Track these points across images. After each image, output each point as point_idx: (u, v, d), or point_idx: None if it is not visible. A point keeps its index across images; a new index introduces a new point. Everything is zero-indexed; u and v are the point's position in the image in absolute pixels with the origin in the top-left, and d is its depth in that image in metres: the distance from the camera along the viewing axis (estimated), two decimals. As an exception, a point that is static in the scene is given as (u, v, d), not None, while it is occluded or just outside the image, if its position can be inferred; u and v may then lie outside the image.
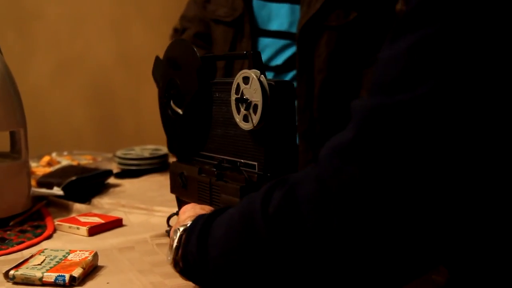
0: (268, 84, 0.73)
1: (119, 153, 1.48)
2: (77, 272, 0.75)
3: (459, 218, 0.50)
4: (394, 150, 0.48)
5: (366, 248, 0.49)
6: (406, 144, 0.48)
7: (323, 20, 1.52)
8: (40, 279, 0.74)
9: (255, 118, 0.73)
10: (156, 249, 0.90)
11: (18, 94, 1.04)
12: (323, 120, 1.53)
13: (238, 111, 0.77)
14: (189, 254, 0.64)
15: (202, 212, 0.72)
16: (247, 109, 0.74)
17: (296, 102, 1.50)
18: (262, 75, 0.74)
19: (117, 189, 1.30)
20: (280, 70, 1.55)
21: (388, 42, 0.52)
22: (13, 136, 1.07)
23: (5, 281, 0.76)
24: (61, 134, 2.77)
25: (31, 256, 0.81)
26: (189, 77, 0.88)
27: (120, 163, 1.46)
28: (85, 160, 1.52)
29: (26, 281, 0.75)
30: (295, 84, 1.52)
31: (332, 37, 1.53)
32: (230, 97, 0.80)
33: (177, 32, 1.86)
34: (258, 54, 0.78)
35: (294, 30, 1.54)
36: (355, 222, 0.49)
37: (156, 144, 1.64)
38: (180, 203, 0.95)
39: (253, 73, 0.74)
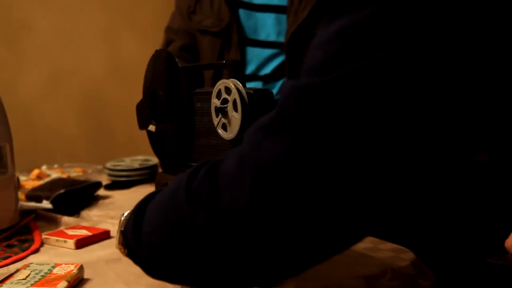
0: (247, 93, 0.74)
1: (108, 164, 1.48)
2: (61, 286, 0.75)
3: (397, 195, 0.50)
4: (317, 123, 0.49)
5: (275, 222, 0.50)
6: (326, 119, 0.49)
7: (311, 28, 1.53)
8: (25, 294, 0.74)
9: (235, 128, 0.74)
10: (143, 260, 0.89)
11: (2, 109, 1.04)
12: None
13: (218, 121, 0.77)
14: (128, 233, 0.67)
15: None
16: (226, 118, 0.75)
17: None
18: (241, 84, 0.74)
19: (107, 201, 1.31)
20: (269, 79, 1.56)
21: (320, 29, 0.54)
22: (-2, 151, 1.07)
23: (-10, 297, 0.76)
24: (52, 146, 2.77)
25: (16, 271, 0.81)
26: (169, 86, 0.89)
27: (109, 175, 1.46)
28: (75, 172, 1.52)
29: (10, 296, 0.75)
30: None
31: None
32: (209, 107, 0.81)
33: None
34: (238, 63, 0.79)
35: (281, 39, 1.54)
36: (267, 195, 0.49)
37: (148, 155, 1.64)
38: (166, 214, 0.96)
39: (231, 83, 0.74)
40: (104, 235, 1.02)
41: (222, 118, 0.75)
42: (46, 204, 1.18)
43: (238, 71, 0.78)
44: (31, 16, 2.95)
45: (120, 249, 0.72)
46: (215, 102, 0.77)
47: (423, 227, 0.86)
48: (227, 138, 0.75)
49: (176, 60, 0.88)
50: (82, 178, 1.43)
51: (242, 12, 1.56)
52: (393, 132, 0.48)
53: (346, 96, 0.48)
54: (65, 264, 0.82)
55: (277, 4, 1.56)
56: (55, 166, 1.62)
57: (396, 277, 0.84)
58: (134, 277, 0.83)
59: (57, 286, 0.74)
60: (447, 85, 0.48)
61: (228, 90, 0.74)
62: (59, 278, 0.77)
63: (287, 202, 0.49)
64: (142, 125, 0.97)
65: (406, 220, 0.76)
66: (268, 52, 1.55)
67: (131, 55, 3.20)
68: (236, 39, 1.54)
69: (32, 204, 1.18)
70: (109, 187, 1.41)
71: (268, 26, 1.57)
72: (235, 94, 0.73)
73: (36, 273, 0.79)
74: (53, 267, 0.81)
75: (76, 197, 1.24)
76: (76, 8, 3.02)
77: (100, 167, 1.57)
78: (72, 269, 0.80)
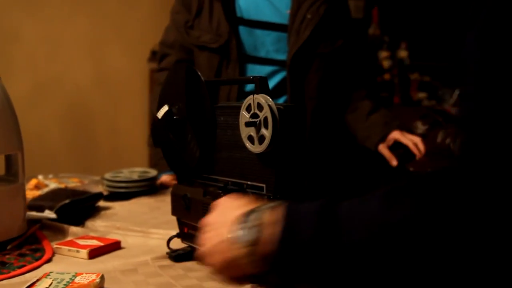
0: (277, 108, 0.76)
1: (107, 175, 1.48)
2: (87, 294, 0.75)
3: None
4: None
5: None
6: None
7: (314, 47, 1.56)
8: (50, 302, 0.74)
9: (265, 141, 0.75)
10: (160, 271, 0.90)
11: (15, 117, 1.04)
12: (315, 146, 1.56)
13: (247, 135, 0.79)
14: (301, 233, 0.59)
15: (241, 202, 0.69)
16: (257, 132, 0.77)
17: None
18: (271, 100, 0.76)
19: (109, 211, 1.30)
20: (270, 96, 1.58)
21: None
22: (9, 159, 1.07)
23: (14, 305, 0.75)
24: (36, 156, 2.74)
25: (37, 280, 0.80)
26: (192, 100, 0.90)
27: (108, 186, 1.46)
28: (72, 183, 1.51)
29: (36, 304, 0.75)
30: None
31: (321, 64, 1.57)
32: (235, 121, 0.83)
33: (155, 54, 1.85)
34: (265, 80, 0.81)
35: (281, 57, 1.57)
36: None
37: (138, 167, 1.64)
38: (182, 225, 0.96)
39: (262, 98, 0.76)
40: (115, 246, 1.02)
41: (251, 133, 0.77)
42: (49, 213, 1.17)
43: (265, 87, 0.80)
44: (18, 25, 2.93)
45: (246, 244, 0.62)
46: (245, 116, 0.78)
47: None
48: (255, 152, 0.77)
49: (198, 73, 0.90)
50: (80, 189, 1.42)
51: (242, 29, 1.58)
52: None
53: None
54: (86, 273, 0.82)
55: (278, 23, 1.58)
56: (50, 176, 1.60)
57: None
58: (153, 287, 0.83)
59: (83, 295, 0.75)
60: None
61: (259, 106, 0.76)
62: (83, 286, 0.77)
63: None
64: (157, 142, 0.98)
65: None
66: (268, 69, 1.57)
67: (117, 66, 3.20)
68: (236, 56, 1.56)
69: (36, 213, 1.18)
70: (108, 198, 1.41)
71: (268, 44, 1.59)
72: (266, 110, 0.75)
73: (58, 282, 0.79)
74: (74, 276, 0.81)
75: (79, 207, 1.24)
76: (64, 19, 3.01)
77: (97, 178, 1.57)
78: (94, 278, 0.80)
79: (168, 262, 0.95)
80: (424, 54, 3.83)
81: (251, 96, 0.78)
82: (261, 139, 0.76)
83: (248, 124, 0.77)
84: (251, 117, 0.78)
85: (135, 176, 1.49)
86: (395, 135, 1.59)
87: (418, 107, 2.84)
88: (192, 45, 1.62)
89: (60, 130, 3.05)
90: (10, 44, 2.86)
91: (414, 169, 1.49)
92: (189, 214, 0.92)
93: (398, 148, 1.59)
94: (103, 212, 1.29)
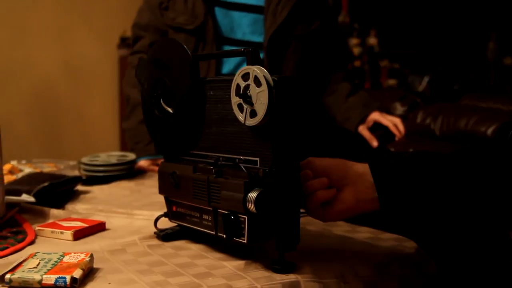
0: (272, 79, 0.74)
1: (84, 159, 1.44)
2: (77, 273, 0.73)
3: None
4: None
5: None
6: None
7: (290, 29, 1.54)
8: (40, 281, 0.71)
9: (260, 114, 0.74)
10: (149, 250, 0.88)
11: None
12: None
13: (241, 108, 0.77)
14: None
15: None
16: (251, 105, 0.75)
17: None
18: (266, 70, 0.74)
19: (88, 195, 1.27)
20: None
21: None
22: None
23: (1, 285, 0.72)
24: (4, 143, 2.67)
25: (24, 260, 0.77)
26: (180, 75, 0.88)
27: (86, 170, 1.42)
28: (48, 167, 1.47)
29: (24, 284, 0.72)
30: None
31: (298, 46, 1.56)
32: (225, 95, 0.81)
33: (125, 41, 1.81)
34: (257, 51, 0.79)
35: (257, 39, 1.55)
36: None
37: (115, 151, 1.59)
38: (170, 204, 0.94)
39: (257, 69, 0.75)
40: (100, 227, 0.99)
41: (245, 105, 0.75)
42: (27, 197, 1.13)
43: (257, 58, 0.78)
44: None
45: None
46: (237, 89, 0.77)
47: (436, 218, 0.89)
48: (250, 124, 0.75)
49: (185, 47, 0.87)
50: (57, 173, 1.38)
51: (218, 10, 1.56)
52: None
53: None
54: (74, 253, 0.80)
55: (254, 4, 1.57)
56: (23, 161, 1.56)
57: (404, 264, 0.86)
58: (145, 265, 0.81)
59: (73, 274, 0.72)
60: None
61: (253, 77, 0.74)
62: (73, 266, 0.74)
63: None
64: (146, 121, 0.95)
65: (424, 212, 0.79)
66: None
67: (85, 53, 3.12)
68: (212, 37, 1.54)
69: (13, 197, 1.13)
70: (86, 182, 1.37)
71: (244, 26, 1.57)
72: (261, 81, 0.73)
73: (46, 262, 0.76)
74: (62, 256, 0.79)
75: (58, 191, 1.20)
76: (29, 3, 2.92)
77: (72, 162, 1.53)
78: (84, 257, 0.77)
79: (156, 241, 0.93)
80: (394, 42, 3.87)
81: (245, 68, 0.76)
82: (255, 112, 0.75)
83: (241, 97, 0.76)
84: (245, 89, 0.76)
85: (113, 160, 1.45)
86: (375, 116, 1.59)
87: (396, 90, 2.86)
88: (167, 27, 1.59)
89: (27, 117, 2.97)
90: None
91: (395, 149, 1.49)
92: (178, 192, 0.90)
93: (378, 129, 1.60)
94: (82, 196, 1.26)
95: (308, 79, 1.62)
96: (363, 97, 1.63)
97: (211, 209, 0.83)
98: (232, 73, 1.54)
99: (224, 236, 0.79)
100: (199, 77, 0.86)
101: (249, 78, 0.76)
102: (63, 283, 0.71)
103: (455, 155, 0.77)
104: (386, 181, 0.78)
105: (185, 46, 0.88)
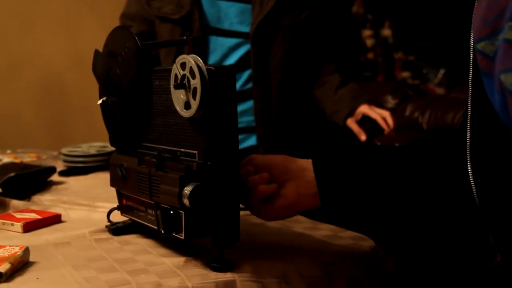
0: (207, 69, 0.71)
1: (64, 150, 1.43)
2: (4, 267, 0.71)
3: None
4: None
5: None
6: None
7: (278, 19, 1.50)
8: (-36, 275, 0.70)
9: (195, 105, 0.71)
10: (94, 244, 0.86)
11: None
12: (281, 122, 1.50)
13: (177, 98, 0.74)
14: None
15: None
16: (186, 95, 0.72)
17: (253, 104, 1.49)
18: (201, 60, 0.71)
19: (60, 186, 1.25)
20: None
21: None
22: None
23: None
24: (8, 135, 2.68)
25: (-43, 252, 0.76)
26: (127, 64, 0.85)
27: (65, 161, 1.41)
28: (28, 158, 1.46)
29: (-51, 277, 0.70)
30: (250, 85, 1.50)
31: (287, 36, 1.52)
32: (169, 85, 0.78)
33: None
34: (199, 39, 0.76)
35: (245, 29, 1.51)
36: None
37: (107, 142, 1.58)
38: (121, 197, 0.92)
39: (191, 58, 0.71)
40: (54, 219, 0.97)
41: (181, 96, 0.72)
42: (-7, 187, 1.12)
43: (199, 48, 0.75)
44: (-12, 0, 2.85)
45: None
46: (175, 79, 0.73)
47: (384, 215, 0.85)
48: (186, 116, 0.72)
49: (136, 37, 0.85)
50: (36, 164, 1.37)
51: (205, 0, 1.53)
52: None
53: None
54: (10, 246, 0.78)
55: None
56: (8, 151, 1.55)
57: (356, 264, 0.82)
58: (83, 260, 0.79)
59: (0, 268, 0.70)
60: None
61: (188, 67, 0.71)
62: (2, 259, 0.73)
63: None
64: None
65: (368, 208, 0.75)
66: (232, 41, 1.52)
67: (92, 43, 3.11)
68: (198, 27, 1.50)
69: (-20, 187, 1.13)
70: (64, 173, 1.36)
71: (231, 15, 1.53)
72: (195, 70, 0.70)
73: (-22, 255, 0.74)
74: (-3, 248, 0.77)
75: (27, 181, 1.19)
76: (37, -7, 2.93)
77: (55, 153, 1.52)
78: (17, 251, 0.76)
79: (106, 235, 0.91)
80: (409, 33, 3.77)
81: (181, 57, 0.73)
82: (191, 102, 0.71)
83: (177, 87, 0.73)
84: (181, 79, 0.73)
85: (93, 151, 1.44)
86: (363, 109, 1.54)
87: (388, 82, 2.79)
88: (154, 17, 1.57)
89: (34, 108, 2.99)
90: (-21, 19, 2.79)
91: (382, 143, 1.44)
92: (126, 185, 0.87)
93: (367, 122, 1.55)
94: (54, 187, 1.24)
95: (297, 71, 1.57)
96: (352, 89, 1.58)
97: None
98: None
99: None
100: (145, 66, 0.83)
101: (187, 68, 0.72)
102: (-13, 277, 0.69)
103: (404, 149, 0.73)
104: (328, 176, 0.74)
105: (134, 35, 0.85)
